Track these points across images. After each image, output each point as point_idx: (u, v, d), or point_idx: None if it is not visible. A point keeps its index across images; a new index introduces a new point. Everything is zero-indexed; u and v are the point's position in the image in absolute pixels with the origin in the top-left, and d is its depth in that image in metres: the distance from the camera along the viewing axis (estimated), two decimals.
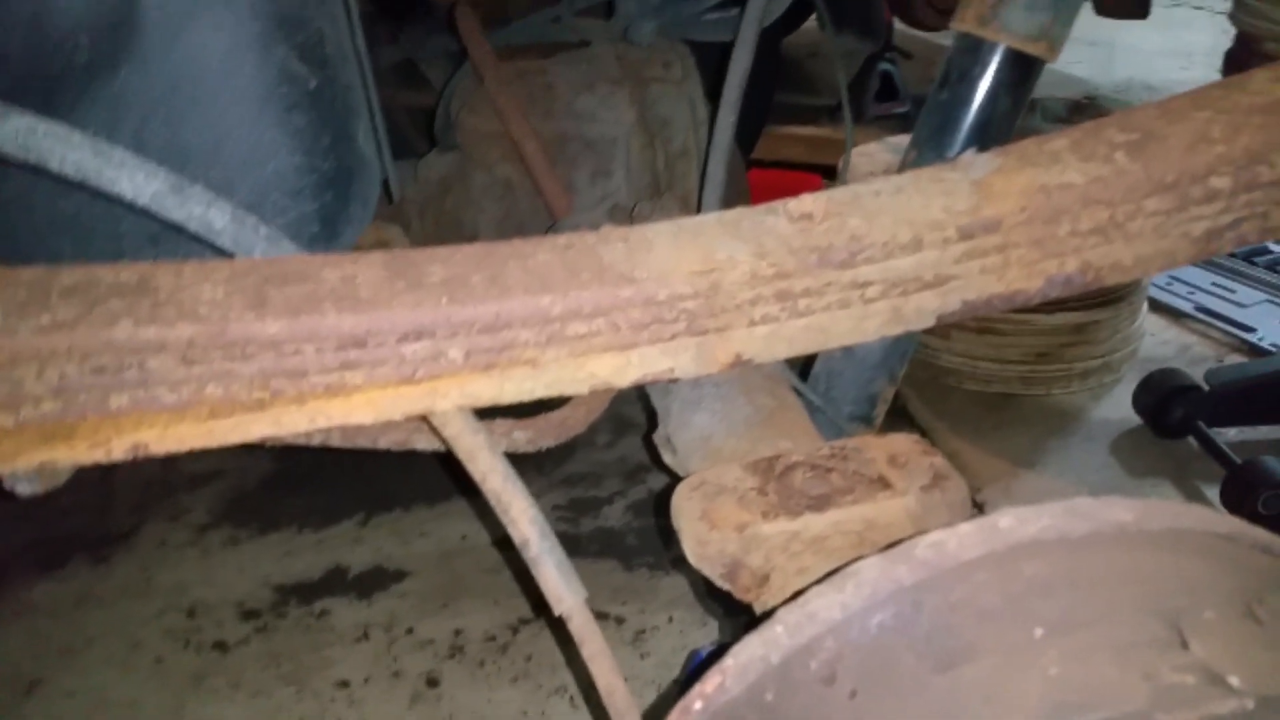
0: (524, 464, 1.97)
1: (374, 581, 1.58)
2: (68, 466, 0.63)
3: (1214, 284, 2.45)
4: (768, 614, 0.45)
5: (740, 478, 0.73)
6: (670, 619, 1.50)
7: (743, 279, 0.59)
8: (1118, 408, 1.96)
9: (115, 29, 0.74)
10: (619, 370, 0.60)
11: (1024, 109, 0.86)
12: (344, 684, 1.39)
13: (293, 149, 0.77)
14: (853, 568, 0.44)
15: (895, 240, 0.60)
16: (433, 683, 1.39)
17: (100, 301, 0.54)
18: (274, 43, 0.75)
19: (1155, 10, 2.87)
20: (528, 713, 1.34)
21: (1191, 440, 1.82)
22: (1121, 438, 1.91)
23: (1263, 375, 1.88)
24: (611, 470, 1.86)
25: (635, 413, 1.97)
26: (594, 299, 0.57)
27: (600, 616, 1.49)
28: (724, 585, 0.68)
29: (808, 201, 0.62)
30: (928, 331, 2.29)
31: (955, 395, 2.06)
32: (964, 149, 0.84)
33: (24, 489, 0.68)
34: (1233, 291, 2.41)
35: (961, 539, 0.43)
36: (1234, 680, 0.40)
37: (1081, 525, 0.43)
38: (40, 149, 0.58)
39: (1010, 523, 0.43)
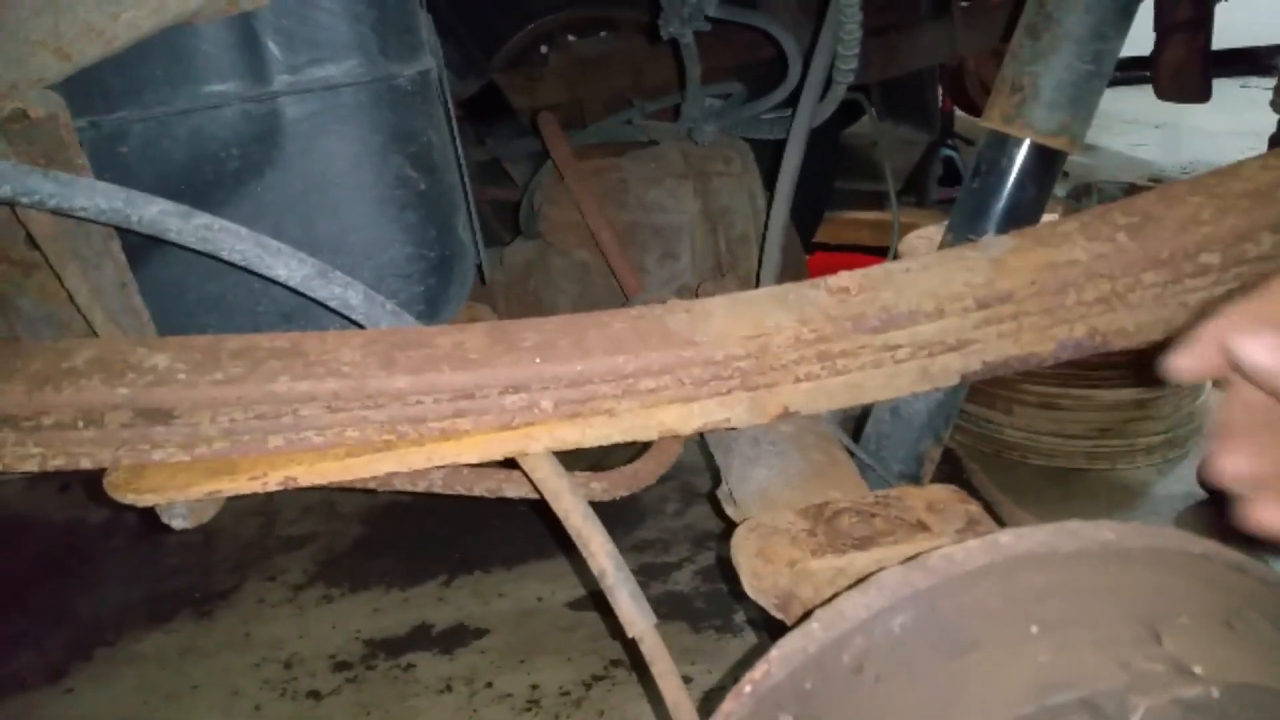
0: None
1: (456, 638, 1.67)
2: (224, 499, 0.75)
3: None
4: (807, 614, 0.54)
5: (793, 521, 0.81)
6: (737, 679, 1.55)
7: (788, 342, 0.69)
8: (1183, 482, 1.98)
9: (261, 141, 0.88)
10: (683, 419, 0.70)
11: (1049, 195, 0.96)
12: None
13: (405, 241, 0.91)
14: (876, 576, 0.53)
15: (920, 309, 0.69)
16: None
17: (262, 361, 0.67)
18: (391, 152, 0.89)
19: (1224, 91, 2.90)
20: None
21: None
22: (1187, 512, 1.92)
23: None
24: (680, 537, 1.94)
25: (703, 483, 2.06)
26: (661, 359, 0.68)
27: None
28: (778, 615, 0.76)
29: (845, 277, 0.73)
30: (991, 407, 2.30)
31: (1020, 470, 2.10)
32: (995, 232, 0.94)
33: (179, 523, 0.80)
34: None
35: (968, 551, 0.52)
36: (1198, 669, 0.47)
37: (1070, 542, 0.52)
38: (215, 241, 0.71)
39: (1009, 539, 0.52)
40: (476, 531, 1.96)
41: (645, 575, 1.82)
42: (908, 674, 0.51)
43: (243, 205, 0.89)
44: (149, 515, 0.80)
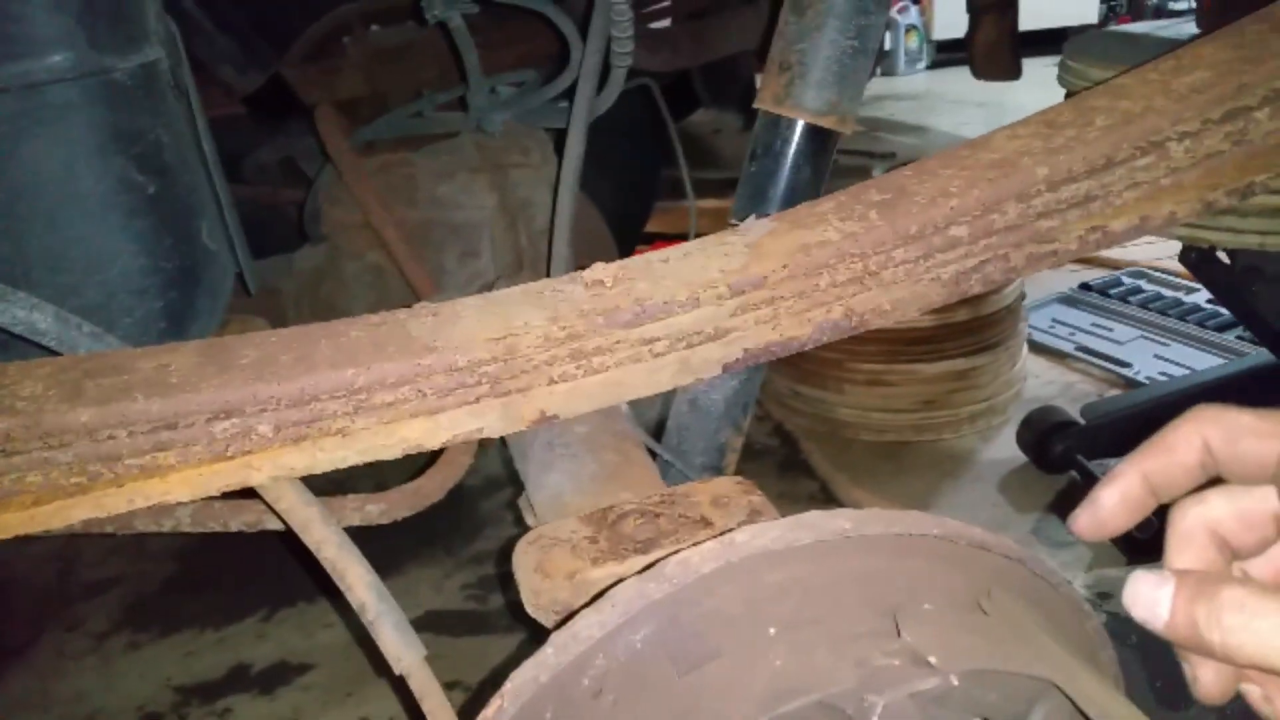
0: (433, 545, 1.97)
1: (278, 676, 1.57)
2: None
3: (1093, 324, 2.59)
4: (542, 639, 0.49)
5: (575, 528, 0.77)
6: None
7: (537, 342, 0.64)
8: (1005, 448, 2.05)
9: None
10: (429, 433, 0.65)
11: (826, 176, 0.95)
12: None
13: (135, 252, 0.82)
14: (613, 589, 0.49)
15: (675, 299, 0.66)
16: None
17: None
18: (112, 154, 0.80)
19: (1038, 70, 3.05)
20: None
21: (1074, 473, 1.91)
22: (1009, 475, 2.00)
23: (1134, 407, 1.99)
24: None
25: None
26: (398, 369, 0.62)
27: None
28: None
29: (601, 269, 0.69)
30: (823, 388, 2.32)
31: (853, 447, 2.14)
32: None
33: None
34: (1110, 330, 2.55)
35: (703, 554, 0.48)
36: (933, 659, 0.45)
37: (807, 534, 0.49)
38: None
39: (745, 537, 0.48)
40: (301, 560, 1.85)
41: (485, 589, 1.76)
42: (643, 693, 0.47)
43: None
44: None
